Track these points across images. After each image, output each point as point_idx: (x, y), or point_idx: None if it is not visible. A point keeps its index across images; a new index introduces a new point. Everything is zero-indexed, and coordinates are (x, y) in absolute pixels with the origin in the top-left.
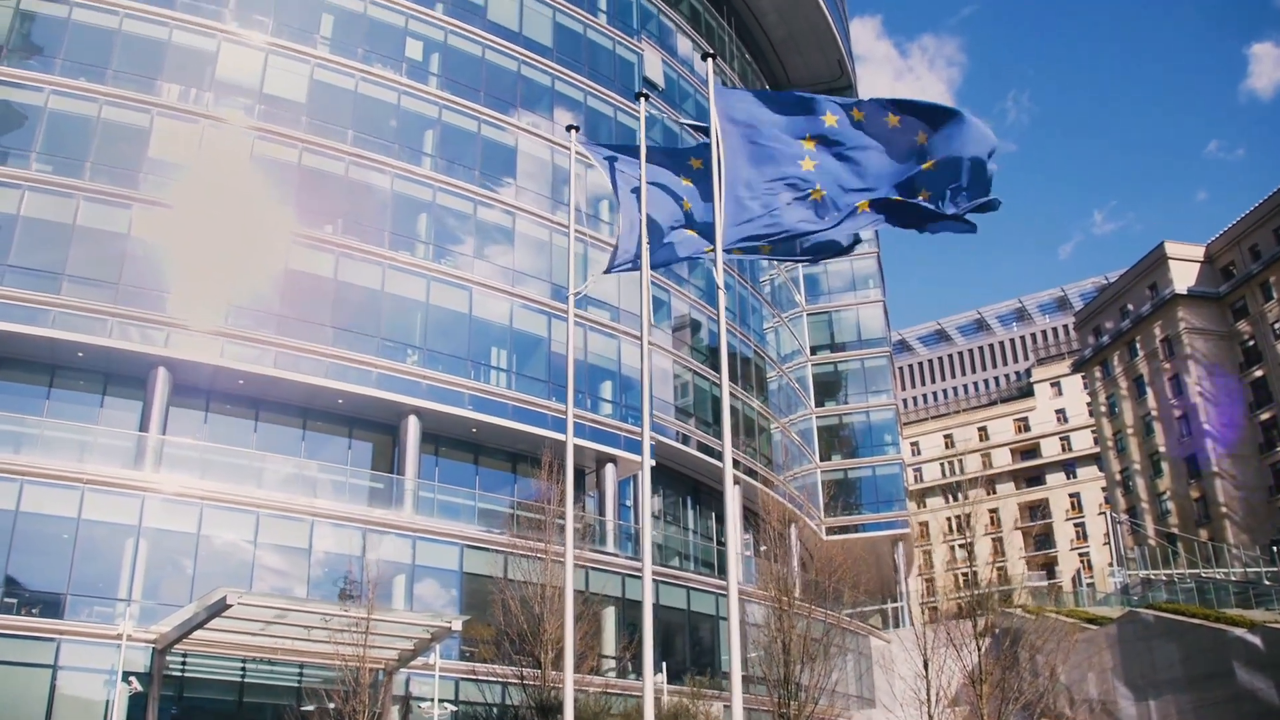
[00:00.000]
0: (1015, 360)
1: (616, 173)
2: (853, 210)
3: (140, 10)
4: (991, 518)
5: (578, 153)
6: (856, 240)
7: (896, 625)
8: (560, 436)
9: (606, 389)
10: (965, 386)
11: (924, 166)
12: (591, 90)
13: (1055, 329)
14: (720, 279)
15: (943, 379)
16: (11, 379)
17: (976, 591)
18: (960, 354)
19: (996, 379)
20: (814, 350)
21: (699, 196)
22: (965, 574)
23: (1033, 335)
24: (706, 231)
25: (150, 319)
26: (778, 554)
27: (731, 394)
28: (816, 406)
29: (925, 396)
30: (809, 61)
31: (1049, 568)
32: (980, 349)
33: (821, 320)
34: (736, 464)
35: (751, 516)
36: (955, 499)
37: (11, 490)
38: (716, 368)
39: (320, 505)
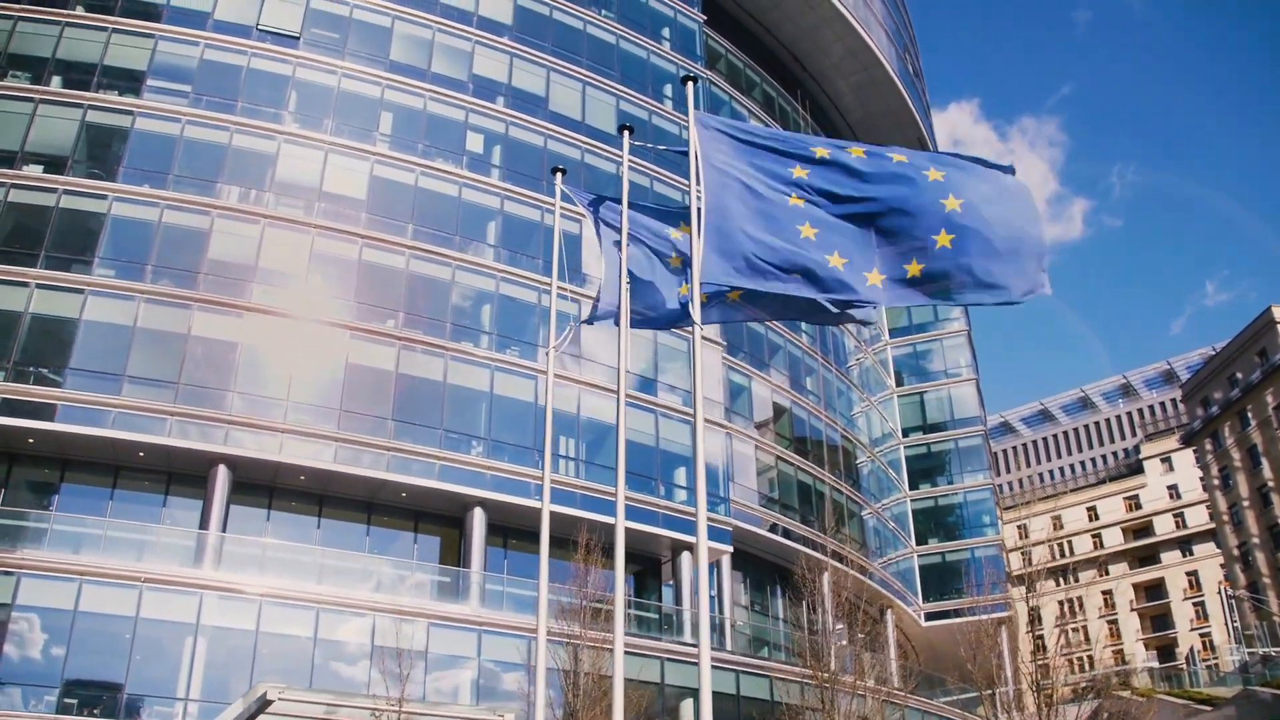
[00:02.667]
0: (1122, 438)
1: (600, 221)
2: (858, 275)
3: (201, 116)
4: (1105, 600)
5: (563, 205)
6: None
7: (1007, 712)
8: (632, 524)
9: (680, 475)
10: (1072, 466)
11: (945, 204)
12: (659, 176)
13: (1162, 403)
14: (697, 314)
15: (1048, 460)
16: (77, 481)
17: (1046, 677)
18: (1065, 433)
19: (1104, 457)
20: (906, 432)
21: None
22: (1079, 659)
23: (1139, 411)
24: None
25: (209, 417)
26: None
27: (819, 479)
28: (911, 489)
29: (1031, 478)
30: (888, 141)
31: (1169, 649)
32: (1085, 427)
33: (913, 402)
34: (824, 549)
35: (844, 603)
36: (1065, 582)
37: (70, 590)
38: (802, 453)
39: (381, 600)
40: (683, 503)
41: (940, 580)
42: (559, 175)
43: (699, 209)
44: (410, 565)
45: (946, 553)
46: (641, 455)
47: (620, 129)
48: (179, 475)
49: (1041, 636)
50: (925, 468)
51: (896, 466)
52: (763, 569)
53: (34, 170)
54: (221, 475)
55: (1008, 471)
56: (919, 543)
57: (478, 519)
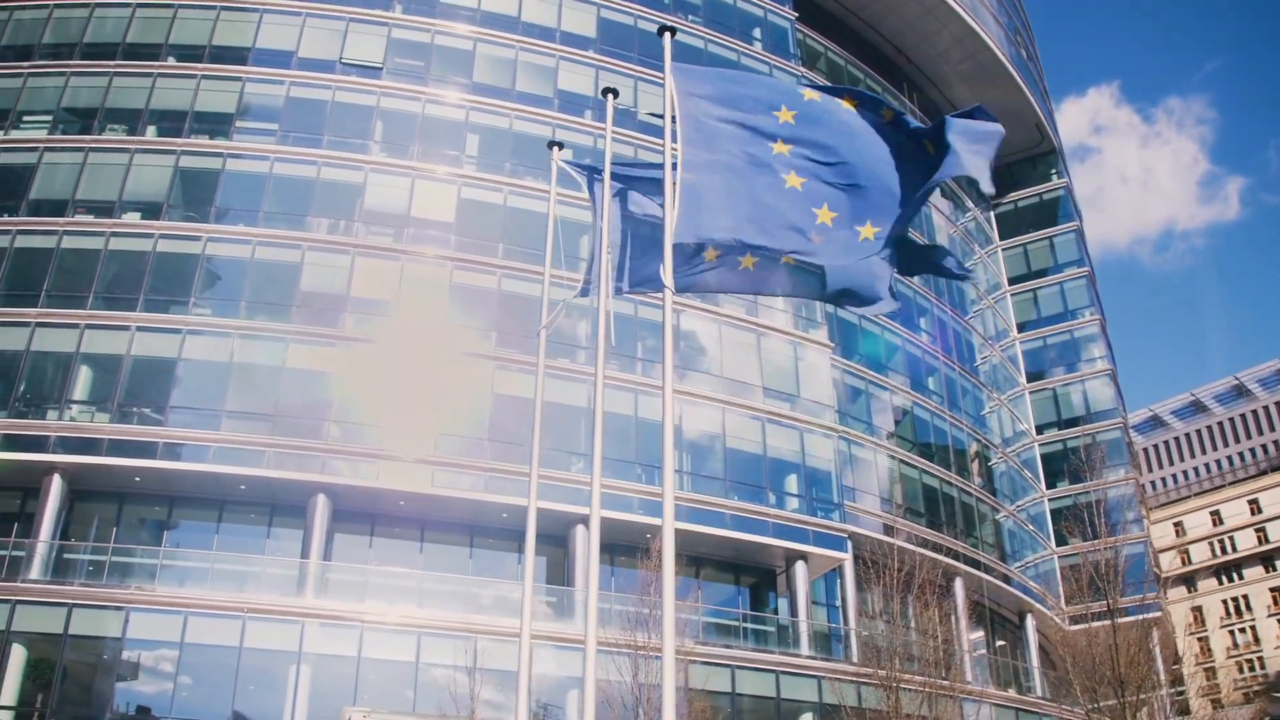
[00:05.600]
0: None
1: (595, 192)
2: (850, 230)
3: (289, 152)
4: (1275, 598)
5: (561, 180)
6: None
7: (1165, 718)
8: (740, 535)
9: (791, 483)
10: (1229, 458)
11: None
12: None
13: None
14: (669, 280)
15: (1202, 453)
16: (185, 516)
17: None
18: (1220, 424)
19: (1264, 447)
20: (1040, 429)
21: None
22: (1247, 660)
23: None
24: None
25: (306, 447)
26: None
27: (946, 482)
28: (1048, 488)
29: (1185, 473)
30: (1005, 128)
31: None
32: (1241, 416)
33: (1046, 397)
34: (958, 556)
35: (980, 611)
36: (1227, 580)
37: (176, 623)
38: (927, 456)
39: (481, 622)
40: (795, 510)
41: (1084, 582)
42: (555, 150)
43: (674, 167)
44: (515, 586)
45: (1088, 552)
46: (749, 464)
47: (603, 93)
48: (281, 506)
49: (1205, 638)
50: (1061, 464)
51: (1031, 465)
52: (889, 577)
53: (132, 217)
54: (321, 504)
55: (1160, 467)
56: (1059, 543)
57: (581, 537)
